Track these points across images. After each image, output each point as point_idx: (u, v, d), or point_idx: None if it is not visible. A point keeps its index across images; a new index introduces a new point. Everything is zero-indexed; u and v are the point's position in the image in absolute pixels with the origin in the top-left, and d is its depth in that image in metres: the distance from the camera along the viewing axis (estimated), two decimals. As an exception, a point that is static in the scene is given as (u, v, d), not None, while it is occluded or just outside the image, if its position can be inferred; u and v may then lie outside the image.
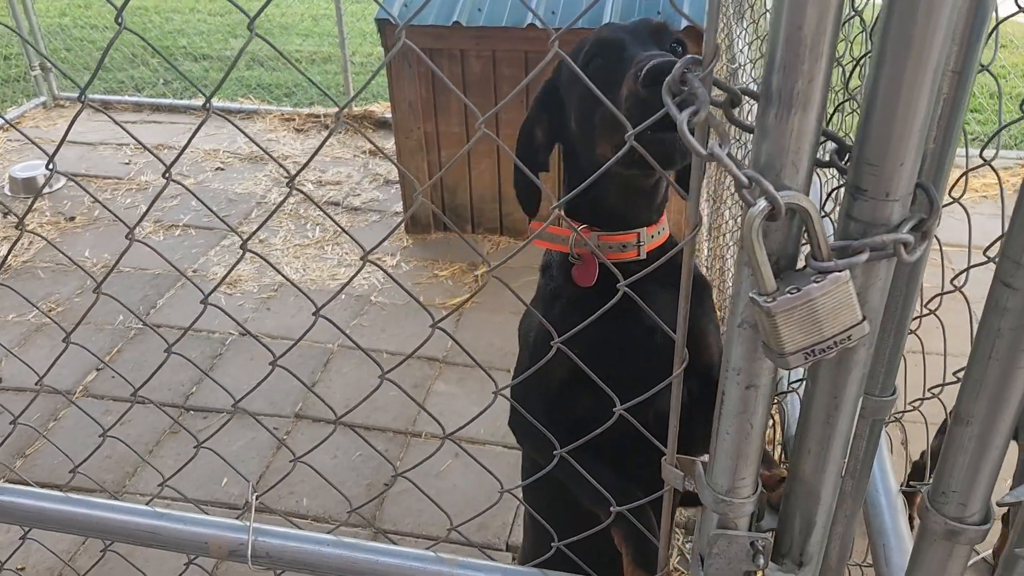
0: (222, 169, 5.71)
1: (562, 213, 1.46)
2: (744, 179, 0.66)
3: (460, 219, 4.78)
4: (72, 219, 5.14)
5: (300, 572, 1.11)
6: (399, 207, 5.06)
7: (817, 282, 0.67)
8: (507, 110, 4.38)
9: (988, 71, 0.85)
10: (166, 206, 5.22)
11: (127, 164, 5.80)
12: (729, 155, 0.67)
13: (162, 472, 3.22)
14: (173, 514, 1.14)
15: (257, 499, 1.15)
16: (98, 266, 4.63)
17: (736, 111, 0.72)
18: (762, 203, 0.66)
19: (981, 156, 0.88)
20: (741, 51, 1.78)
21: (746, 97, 0.71)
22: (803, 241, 0.72)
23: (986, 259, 0.85)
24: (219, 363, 3.84)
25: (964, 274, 0.93)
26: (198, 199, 1.03)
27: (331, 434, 1.43)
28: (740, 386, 0.79)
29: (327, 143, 6.00)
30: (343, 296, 4.34)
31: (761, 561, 0.89)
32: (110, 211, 1.04)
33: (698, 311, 1.36)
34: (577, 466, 1.09)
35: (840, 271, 0.67)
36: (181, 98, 7.04)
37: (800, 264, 0.72)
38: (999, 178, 0.86)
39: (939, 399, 1.20)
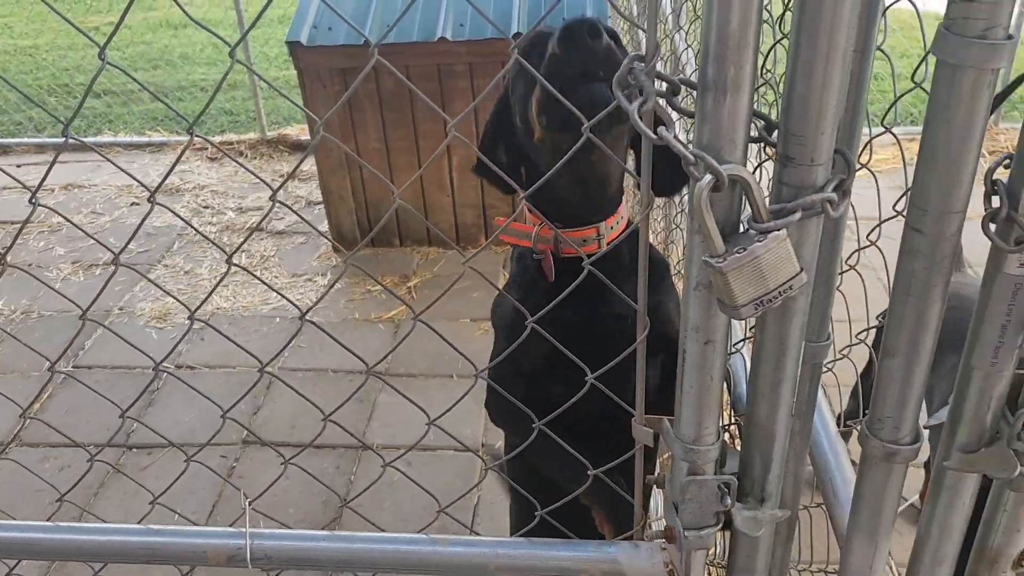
0: (138, 204, 5.62)
1: (528, 206, 1.54)
2: (691, 157, 0.76)
3: (387, 233, 4.83)
4: (-16, 268, 4.99)
5: (299, 569, 1.16)
6: (324, 227, 5.07)
7: (760, 241, 0.77)
8: (424, 123, 4.46)
9: (881, 50, 0.98)
10: (83, 246, 5.11)
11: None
12: (675, 137, 0.77)
13: (109, 512, 3.18)
14: (168, 529, 1.18)
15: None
16: (16, 312, 4.51)
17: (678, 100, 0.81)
18: (708, 177, 0.76)
19: (883, 124, 1.00)
20: (688, 46, 1.92)
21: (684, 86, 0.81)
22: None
23: (895, 213, 0.97)
24: (157, 398, 3.80)
25: (877, 229, 1.06)
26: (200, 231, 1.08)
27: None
28: (699, 343, 0.89)
29: (243, 171, 5.96)
30: (277, 319, 4.34)
31: (728, 501, 0.99)
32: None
33: (659, 288, 1.45)
34: (552, 435, 1.17)
35: (778, 230, 0.77)
36: (85, 135, 6.89)
37: (742, 229, 0.83)
38: (899, 142, 0.99)
39: (848, 358, 1.33)
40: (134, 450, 3.52)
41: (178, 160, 0.96)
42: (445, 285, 4.49)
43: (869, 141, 1.00)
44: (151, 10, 10.36)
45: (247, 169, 1.00)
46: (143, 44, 9.30)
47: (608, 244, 1.42)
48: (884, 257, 1.16)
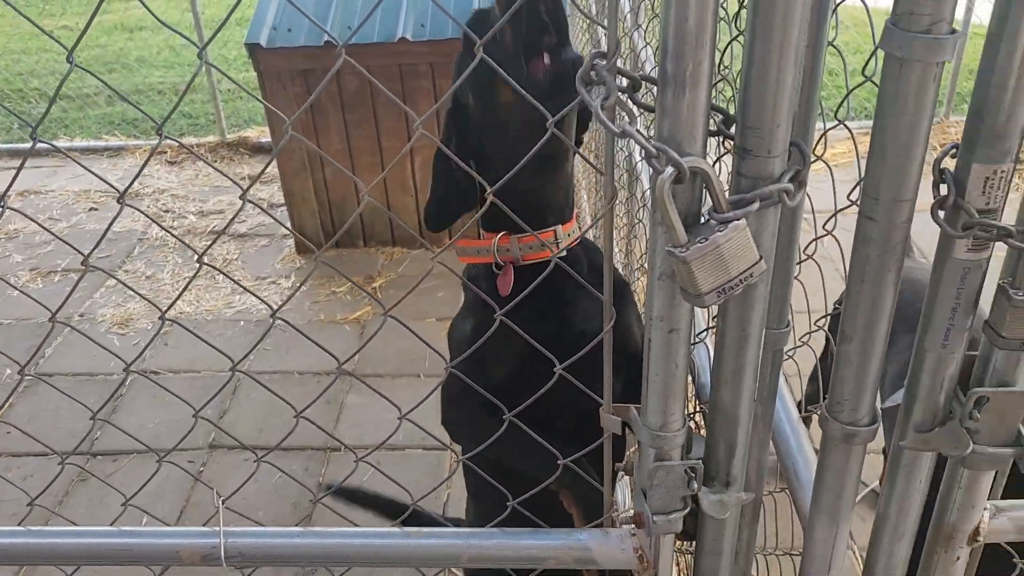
0: (96, 209, 5.54)
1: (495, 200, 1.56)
2: (653, 150, 0.78)
3: (351, 234, 4.81)
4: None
5: (274, 566, 1.17)
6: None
7: (720, 231, 0.80)
8: (387, 124, 4.46)
9: (834, 46, 1.01)
10: (41, 252, 5.03)
11: (-9, 214, 5.55)
12: (637, 130, 0.79)
13: (75, 520, 3.14)
14: (141, 530, 1.18)
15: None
16: (-26, 322, 4.43)
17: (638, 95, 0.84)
18: (669, 169, 0.78)
19: (836, 117, 1.03)
20: (647, 43, 1.97)
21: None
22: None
23: (849, 202, 1.00)
24: (121, 404, 3.76)
25: (833, 219, 1.09)
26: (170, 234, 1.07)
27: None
28: (663, 331, 0.91)
29: (204, 174, 5.91)
30: (241, 323, 4.31)
31: (695, 485, 1.02)
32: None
33: (620, 306, 1.47)
34: (522, 426, 1.19)
35: (738, 219, 0.80)
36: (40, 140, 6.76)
37: (703, 220, 0.85)
38: (852, 136, 1.02)
39: (808, 346, 1.37)
40: (99, 457, 3.47)
41: (147, 161, 0.96)
42: (410, 285, 4.49)
43: (823, 134, 1.04)
44: (106, 13, 10.20)
45: (216, 169, 1.01)
46: (98, 47, 9.15)
47: (567, 250, 1.45)
48: (840, 247, 1.20)
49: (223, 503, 1.18)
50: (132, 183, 0.95)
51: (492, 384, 1.45)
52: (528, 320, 1.17)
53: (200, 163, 6.01)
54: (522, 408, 1.17)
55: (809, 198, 1.25)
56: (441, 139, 1.48)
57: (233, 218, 1.04)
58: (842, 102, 1.03)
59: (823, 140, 1.09)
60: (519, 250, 1.42)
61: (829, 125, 1.07)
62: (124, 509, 1.34)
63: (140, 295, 1.13)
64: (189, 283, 1.11)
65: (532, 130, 1.34)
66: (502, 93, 1.34)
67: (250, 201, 0.93)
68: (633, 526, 1.09)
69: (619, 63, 0.83)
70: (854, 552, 2.61)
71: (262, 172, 0.96)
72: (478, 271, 1.54)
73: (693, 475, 1.02)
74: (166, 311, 1.03)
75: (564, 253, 1.45)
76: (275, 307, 4.52)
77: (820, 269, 1.25)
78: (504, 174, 0.95)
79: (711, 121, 0.84)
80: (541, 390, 1.16)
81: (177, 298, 1.14)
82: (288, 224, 4.83)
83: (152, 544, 1.16)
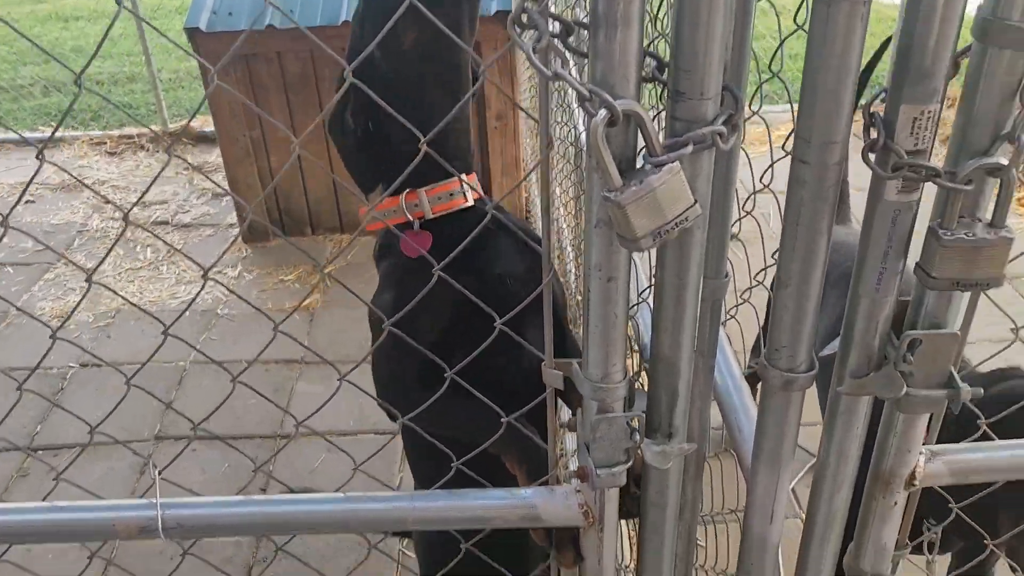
0: (33, 201, 5.38)
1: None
2: (586, 92, 0.78)
3: (298, 222, 4.75)
4: None
5: (215, 537, 1.14)
6: (232, 218, 4.96)
7: (655, 174, 0.80)
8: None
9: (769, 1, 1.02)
10: (-26, 247, 4.87)
11: (-79, 208, 5.36)
12: (570, 74, 0.79)
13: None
14: (73, 504, 1.14)
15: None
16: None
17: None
18: (603, 112, 0.78)
19: (770, 69, 1.04)
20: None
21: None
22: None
23: (784, 153, 1.01)
24: (63, 398, 3.66)
25: (770, 170, 1.10)
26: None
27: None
28: (602, 280, 0.91)
29: (145, 165, 5.78)
30: (188, 313, 4.22)
31: (637, 437, 1.02)
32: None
33: (534, 255, 1.46)
34: (466, 385, 1.18)
35: (672, 162, 0.80)
36: (-28, 133, 6.56)
37: (638, 165, 0.85)
38: (791, 98, 1.03)
39: (750, 303, 1.39)
40: (39, 452, 3.38)
41: (67, 113, 0.93)
42: (359, 272, 4.44)
43: (759, 87, 1.04)
44: (40, 3, 9.93)
45: (142, 124, 0.97)
46: (32, 37, 8.88)
47: (476, 200, 1.45)
48: (778, 202, 1.21)
49: (159, 473, 1.15)
50: (53, 134, 0.92)
51: (422, 352, 1.44)
52: (450, 274, 1.15)
53: (141, 153, 5.87)
54: (458, 369, 1.16)
55: (750, 166, 1.26)
56: (337, 107, 1.46)
57: (156, 177, 1.01)
58: (776, 51, 1.04)
59: (758, 93, 1.09)
60: (428, 203, 1.42)
61: (765, 78, 1.08)
62: (56, 483, 1.30)
63: (73, 263, 1.09)
64: (116, 242, 1.08)
65: (440, 70, 1.34)
66: (406, 37, 1.35)
67: (180, 157, 0.91)
68: (578, 482, 1.09)
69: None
70: (802, 520, 2.64)
71: (186, 123, 0.93)
72: (389, 240, 1.53)
73: (636, 427, 1.02)
74: (92, 272, 1.00)
75: (471, 203, 1.45)
76: (222, 299, 4.38)
77: (759, 227, 1.26)
78: (412, 124, 0.96)
79: (644, 68, 0.84)
80: (477, 350, 1.15)
81: (103, 260, 1.10)
82: (233, 215, 4.75)
83: (84, 519, 1.12)
